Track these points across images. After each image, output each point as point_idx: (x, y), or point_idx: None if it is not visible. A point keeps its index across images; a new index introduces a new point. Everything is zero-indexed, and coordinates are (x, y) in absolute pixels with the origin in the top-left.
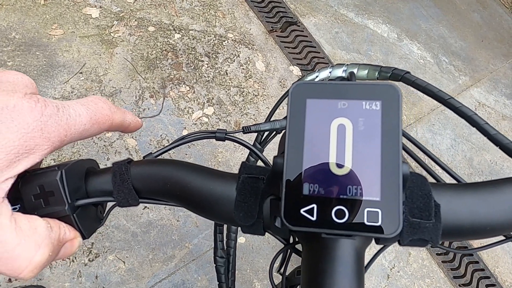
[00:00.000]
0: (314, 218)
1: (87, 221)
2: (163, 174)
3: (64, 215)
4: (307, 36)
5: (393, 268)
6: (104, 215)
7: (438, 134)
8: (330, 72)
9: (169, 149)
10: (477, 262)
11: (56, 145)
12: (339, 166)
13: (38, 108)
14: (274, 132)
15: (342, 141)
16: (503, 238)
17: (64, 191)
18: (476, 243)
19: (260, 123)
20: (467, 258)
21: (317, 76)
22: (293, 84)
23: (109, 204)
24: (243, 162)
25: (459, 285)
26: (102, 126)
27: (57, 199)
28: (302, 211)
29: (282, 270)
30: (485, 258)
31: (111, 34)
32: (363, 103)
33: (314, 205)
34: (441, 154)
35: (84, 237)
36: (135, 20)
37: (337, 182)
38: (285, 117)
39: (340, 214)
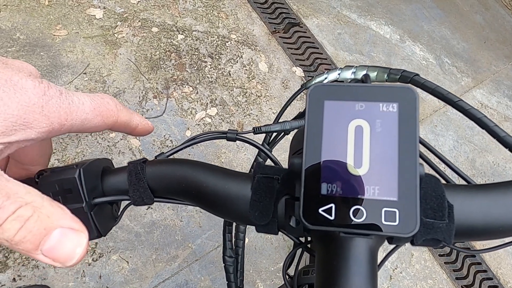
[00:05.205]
0: (332, 218)
1: (103, 219)
2: (178, 174)
3: (82, 212)
4: (309, 37)
5: (395, 269)
6: (119, 213)
7: (440, 136)
8: (339, 74)
9: (181, 149)
10: (479, 263)
11: (55, 127)
12: (357, 166)
13: (41, 87)
14: (283, 133)
15: (360, 142)
16: (509, 240)
17: (82, 189)
18: (479, 245)
19: (270, 124)
20: (469, 259)
21: (325, 78)
22: (311, 85)
23: (124, 203)
24: (258, 162)
25: (462, 286)
26: (106, 120)
27: (75, 197)
28: (320, 210)
29: (291, 269)
30: (487, 259)
31: (115, 34)
32: (380, 105)
33: (332, 205)
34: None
35: (100, 235)
36: (139, 21)
37: (355, 182)
38: (294, 118)
39: (358, 213)
